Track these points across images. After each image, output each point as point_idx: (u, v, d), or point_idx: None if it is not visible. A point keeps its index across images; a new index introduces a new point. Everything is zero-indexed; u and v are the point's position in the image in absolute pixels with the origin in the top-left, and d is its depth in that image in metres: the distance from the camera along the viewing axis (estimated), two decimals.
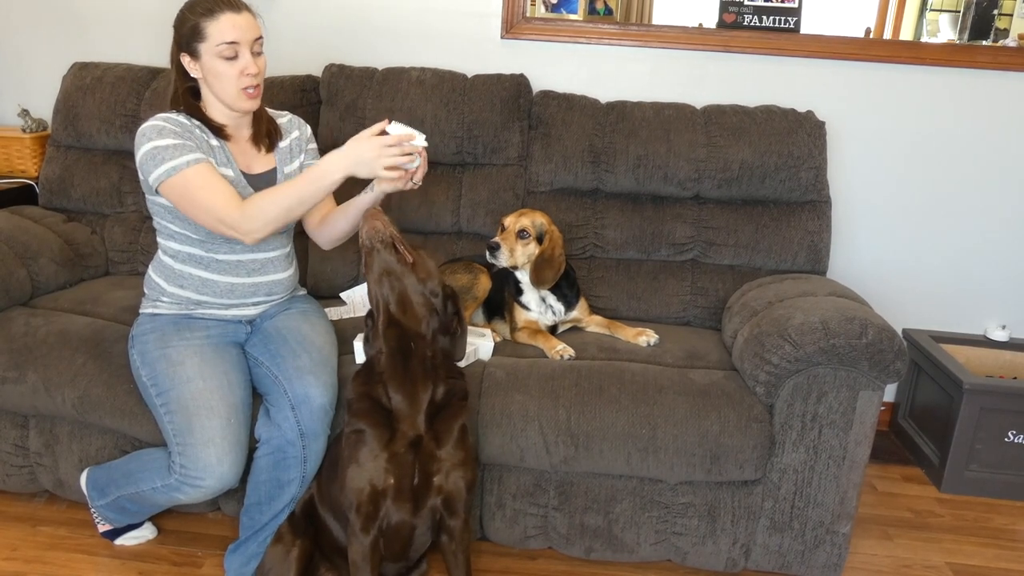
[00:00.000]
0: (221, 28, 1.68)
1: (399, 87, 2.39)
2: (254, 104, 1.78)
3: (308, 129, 1.99)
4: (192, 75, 1.76)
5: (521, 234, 2.03)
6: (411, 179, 1.72)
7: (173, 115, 1.76)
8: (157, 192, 1.73)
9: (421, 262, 1.57)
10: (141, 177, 1.74)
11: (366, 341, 1.78)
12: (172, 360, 1.72)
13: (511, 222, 2.05)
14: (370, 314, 1.64)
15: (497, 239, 2.02)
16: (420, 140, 1.68)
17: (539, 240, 2.04)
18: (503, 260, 2.01)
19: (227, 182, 1.72)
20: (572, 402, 1.81)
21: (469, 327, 1.95)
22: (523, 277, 2.09)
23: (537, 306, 2.11)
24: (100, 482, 1.88)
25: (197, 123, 1.78)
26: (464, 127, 2.38)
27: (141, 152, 1.70)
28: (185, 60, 1.74)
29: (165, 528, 2.04)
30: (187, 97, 1.79)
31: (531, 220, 2.04)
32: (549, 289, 2.09)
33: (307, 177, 1.68)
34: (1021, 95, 2.50)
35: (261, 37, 1.76)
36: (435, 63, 2.52)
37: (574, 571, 1.97)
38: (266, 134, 1.88)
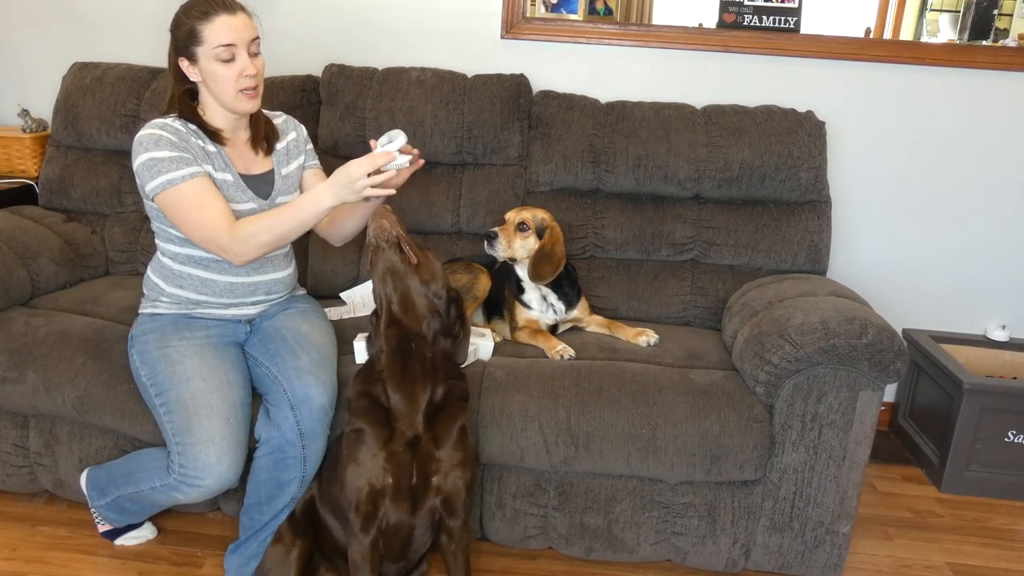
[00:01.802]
0: (217, 31, 1.67)
1: (399, 87, 2.39)
2: (254, 105, 1.78)
3: (304, 130, 2.00)
4: (191, 79, 1.75)
5: (520, 227, 2.03)
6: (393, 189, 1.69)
7: (170, 122, 1.75)
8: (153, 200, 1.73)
9: (426, 263, 1.57)
10: (138, 183, 1.74)
11: (368, 340, 1.79)
12: (171, 360, 1.72)
13: (511, 216, 2.06)
14: (375, 312, 1.64)
15: (495, 229, 2.02)
16: (397, 143, 1.63)
17: (539, 235, 2.04)
18: (500, 251, 2.01)
19: (222, 199, 1.72)
20: (572, 402, 1.81)
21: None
22: (524, 274, 2.09)
23: (539, 305, 2.11)
24: (100, 482, 1.88)
25: (193, 128, 1.77)
26: (464, 127, 2.38)
27: (138, 162, 1.70)
28: (183, 64, 1.73)
29: (165, 528, 2.04)
30: (184, 100, 1.78)
31: (532, 214, 2.05)
32: (551, 288, 2.09)
33: (299, 205, 1.68)
34: (1021, 95, 2.50)
35: (258, 37, 1.75)
36: (435, 63, 2.52)
37: (574, 571, 1.97)
38: (264, 137, 1.88)
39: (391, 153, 1.62)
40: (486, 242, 2.01)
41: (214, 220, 1.69)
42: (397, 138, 1.64)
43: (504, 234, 2.01)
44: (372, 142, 1.67)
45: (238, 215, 1.75)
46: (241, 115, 1.81)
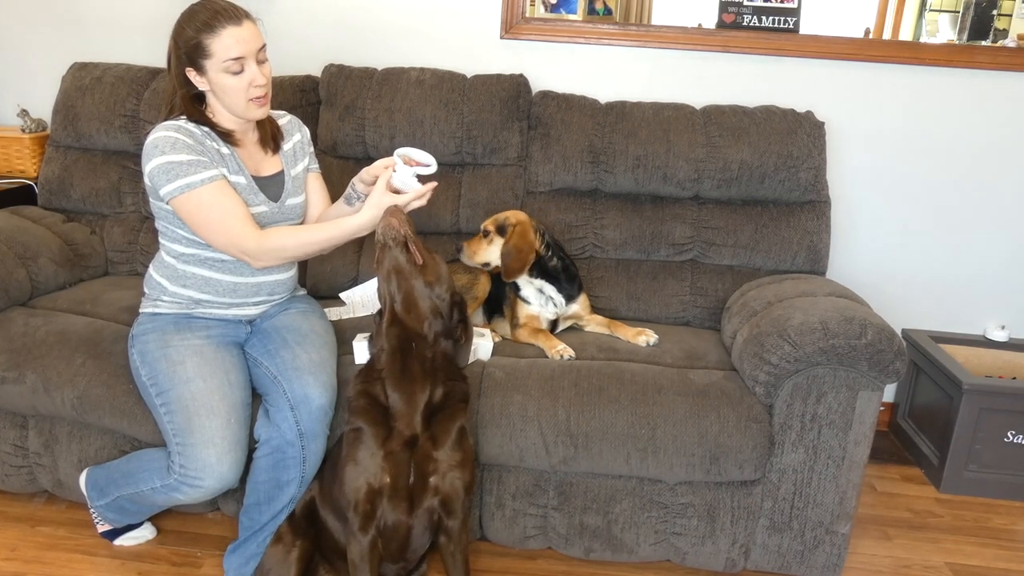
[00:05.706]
0: (225, 44, 1.64)
1: (399, 87, 2.39)
2: (264, 112, 1.78)
3: (307, 131, 2.00)
4: (199, 88, 1.73)
5: (483, 233, 2.09)
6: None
7: (183, 124, 1.73)
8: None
9: (432, 265, 1.58)
10: (149, 184, 1.72)
11: (370, 339, 1.79)
12: (172, 360, 1.72)
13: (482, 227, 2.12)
14: (380, 311, 1.64)
15: (462, 241, 2.10)
16: (430, 169, 1.77)
17: (501, 234, 2.06)
18: (467, 260, 2.10)
19: (242, 202, 1.73)
20: (572, 402, 1.81)
21: None
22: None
23: (536, 299, 2.11)
24: (99, 482, 1.88)
25: (206, 130, 1.76)
26: (464, 127, 2.38)
27: (153, 164, 1.68)
28: (191, 74, 1.71)
29: (165, 528, 2.04)
30: (190, 104, 1.76)
31: (493, 219, 2.10)
32: (545, 280, 2.10)
33: (331, 232, 1.72)
34: (1021, 95, 2.50)
35: (264, 44, 1.72)
36: (435, 63, 2.52)
37: (573, 571, 1.97)
38: (271, 136, 1.88)
39: (418, 170, 1.75)
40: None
41: (237, 225, 1.69)
42: (418, 157, 1.78)
43: (469, 245, 2.09)
44: (393, 161, 1.75)
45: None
46: (251, 121, 1.81)
